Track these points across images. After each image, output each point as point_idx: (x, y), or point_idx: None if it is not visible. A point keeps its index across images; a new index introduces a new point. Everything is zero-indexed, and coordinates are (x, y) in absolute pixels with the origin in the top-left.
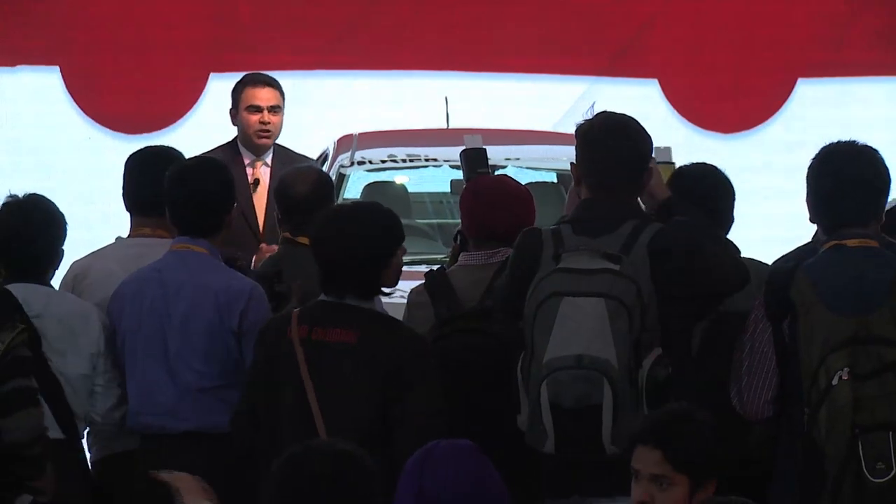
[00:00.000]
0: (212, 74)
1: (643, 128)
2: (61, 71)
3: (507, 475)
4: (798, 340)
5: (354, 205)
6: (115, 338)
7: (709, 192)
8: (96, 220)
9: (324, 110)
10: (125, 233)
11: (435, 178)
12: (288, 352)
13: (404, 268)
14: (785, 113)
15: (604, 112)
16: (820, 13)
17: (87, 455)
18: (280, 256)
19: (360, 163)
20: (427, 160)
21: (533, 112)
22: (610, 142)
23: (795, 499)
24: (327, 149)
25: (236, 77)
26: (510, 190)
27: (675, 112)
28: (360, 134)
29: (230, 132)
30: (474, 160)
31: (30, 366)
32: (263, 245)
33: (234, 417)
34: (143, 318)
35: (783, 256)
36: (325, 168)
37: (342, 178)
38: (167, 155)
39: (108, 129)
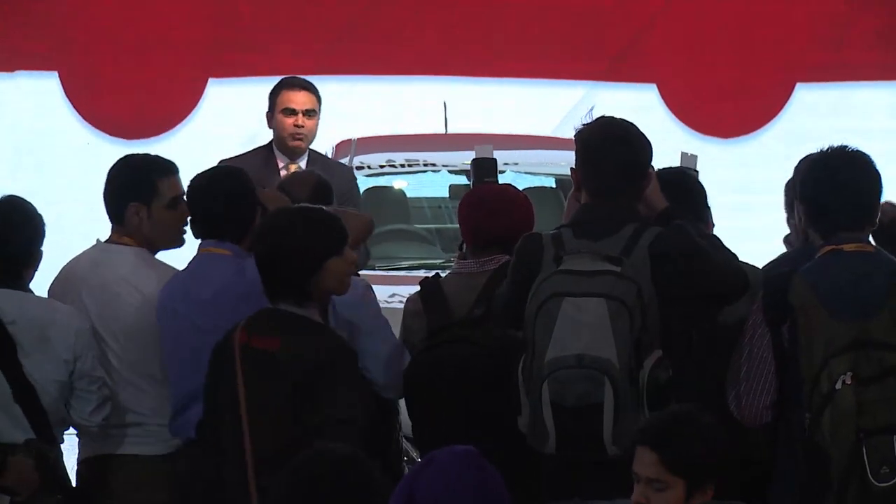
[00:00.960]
0: (211, 79)
1: (642, 133)
2: (60, 76)
3: (506, 478)
4: (798, 345)
5: (290, 210)
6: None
7: (683, 196)
8: (94, 225)
9: (322, 115)
10: None
11: (433, 182)
12: (230, 357)
13: (403, 273)
14: (784, 117)
15: (603, 117)
16: (820, 14)
17: (77, 454)
18: None
19: (359, 167)
20: (426, 165)
21: (531, 117)
22: (609, 147)
23: (796, 502)
24: (325, 153)
25: (235, 83)
26: (510, 197)
27: (674, 116)
28: (358, 139)
29: (229, 137)
30: (484, 169)
31: None
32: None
33: (198, 423)
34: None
35: (774, 260)
36: None
37: None
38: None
39: (106, 134)
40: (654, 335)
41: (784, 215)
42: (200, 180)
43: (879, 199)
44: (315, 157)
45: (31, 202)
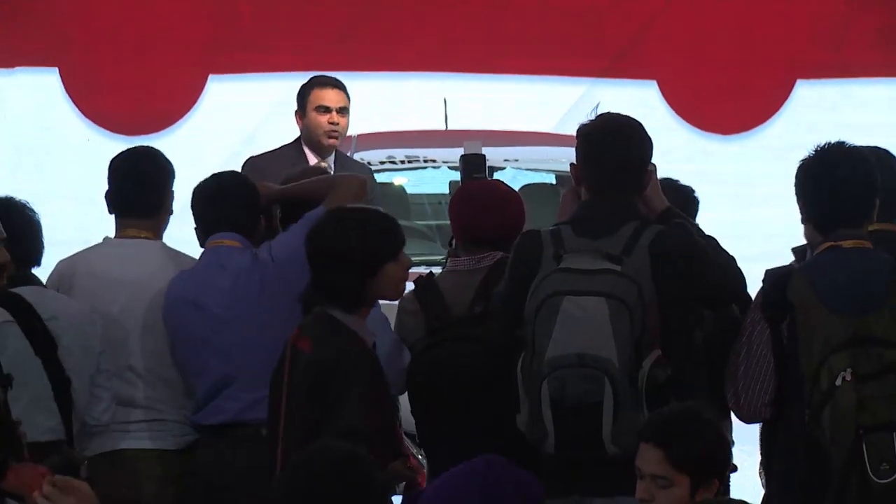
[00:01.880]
0: (211, 76)
1: (645, 130)
2: (60, 72)
3: None
4: (797, 342)
5: (345, 211)
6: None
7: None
8: (94, 221)
9: None
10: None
11: (434, 179)
12: (283, 355)
13: None
14: (784, 114)
15: (606, 113)
16: (820, 13)
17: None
18: None
19: None
20: (426, 161)
21: (531, 113)
22: (611, 143)
23: (796, 499)
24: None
25: (235, 79)
26: (500, 194)
27: (675, 114)
28: (358, 135)
29: (229, 134)
30: (472, 165)
31: None
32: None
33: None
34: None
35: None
36: None
37: None
38: (151, 155)
39: (107, 131)
40: (654, 335)
41: (784, 214)
42: (205, 184)
43: (878, 196)
44: (339, 154)
45: (27, 201)
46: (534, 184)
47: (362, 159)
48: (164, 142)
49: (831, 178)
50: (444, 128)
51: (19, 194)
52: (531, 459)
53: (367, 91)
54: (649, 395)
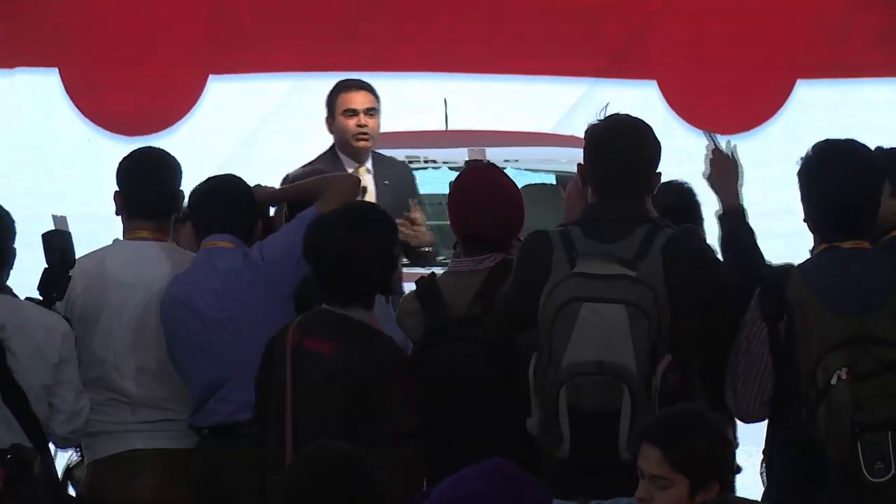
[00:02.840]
0: (211, 76)
1: (653, 132)
2: (60, 72)
3: None
4: (794, 341)
5: (357, 208)
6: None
7: (682, 207)
8: (95, 222)
9: (323, 112)
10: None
11: (434, 179)
12: (281, 358)
13: (404, 269)
14: (784, 114)
15: (615, 114)
16: (820, 13)
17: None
18: None
19: None
20: (426, 162)
21: (532, 113)
22: (618, 145)
23: (793, 497)
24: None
25: (235, 79)
26: (498, 194)
27: (675, 114)
28: None
29: (229, 134)
30: None
31: None
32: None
33: (250, 419)
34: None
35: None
36: None
37: None
38: (160, 156)
39: (107, 131)
40: (666, 339)
41: (784, 214)
42: (201, 186)
43: (880, 195)
44: (379, 157)
45: None
46: (534, 184)
47: (407, 157)
48: (164, 142)
49: (829, 178)
50: (444, 128)
51: (19, 194)
52: (531, 460)
53: None
54: (662, 400)
